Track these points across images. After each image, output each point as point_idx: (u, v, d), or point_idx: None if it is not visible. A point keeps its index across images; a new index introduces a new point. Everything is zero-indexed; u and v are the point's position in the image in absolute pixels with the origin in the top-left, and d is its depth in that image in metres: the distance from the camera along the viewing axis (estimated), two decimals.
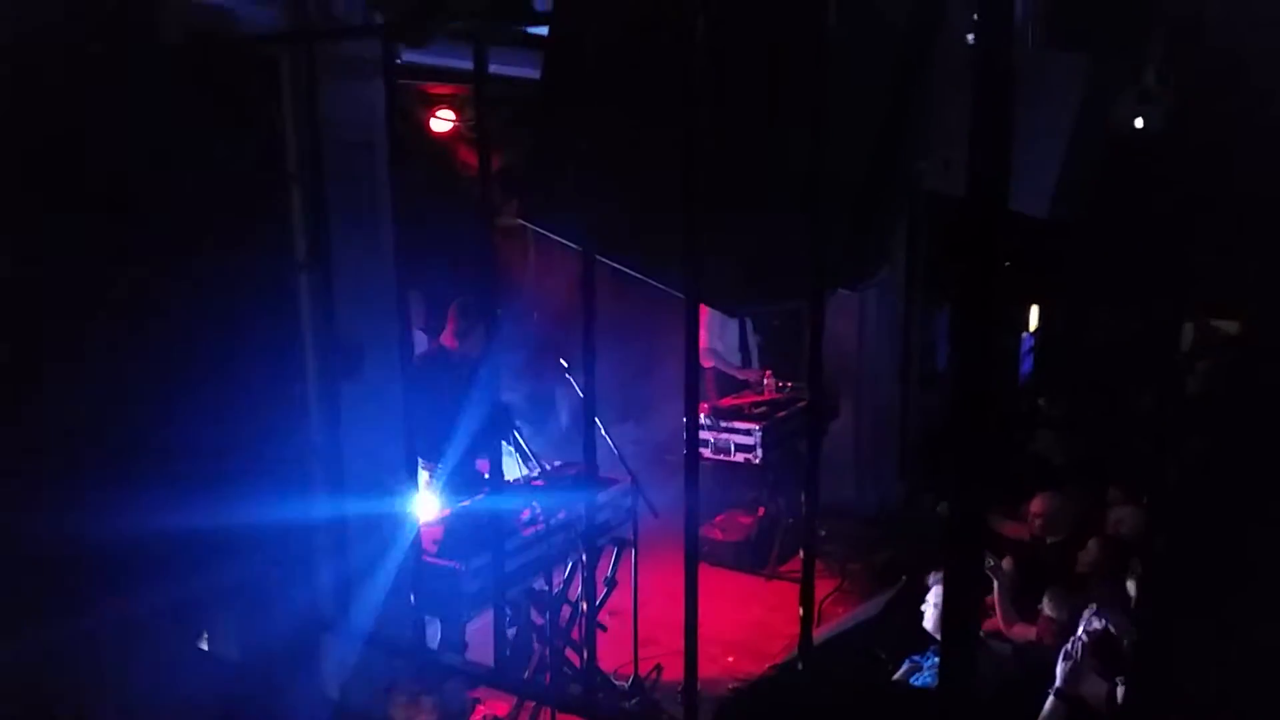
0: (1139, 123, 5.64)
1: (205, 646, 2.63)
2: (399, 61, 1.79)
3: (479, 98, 1.76)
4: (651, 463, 6.14)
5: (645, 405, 6.87)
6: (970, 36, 3.14)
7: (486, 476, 5.07)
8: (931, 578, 4.91)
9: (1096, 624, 4.27)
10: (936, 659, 4.73)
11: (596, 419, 2.14)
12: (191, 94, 2.18)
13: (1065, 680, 4.16)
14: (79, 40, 2.15)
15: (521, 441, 5.50)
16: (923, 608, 4.81)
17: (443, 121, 6.25)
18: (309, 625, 3.33)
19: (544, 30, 2.55)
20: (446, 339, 5.09)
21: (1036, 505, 5.24)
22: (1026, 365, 8.68)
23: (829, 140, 1.46)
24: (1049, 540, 5.20)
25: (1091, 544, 4.88)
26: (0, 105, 2.06)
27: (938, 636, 4.80)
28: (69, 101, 2.14)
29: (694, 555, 1.56)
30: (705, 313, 6.79)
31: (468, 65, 1.69)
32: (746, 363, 7.30)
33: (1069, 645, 4.23)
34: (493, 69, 1.69)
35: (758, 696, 1.66)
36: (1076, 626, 4.30)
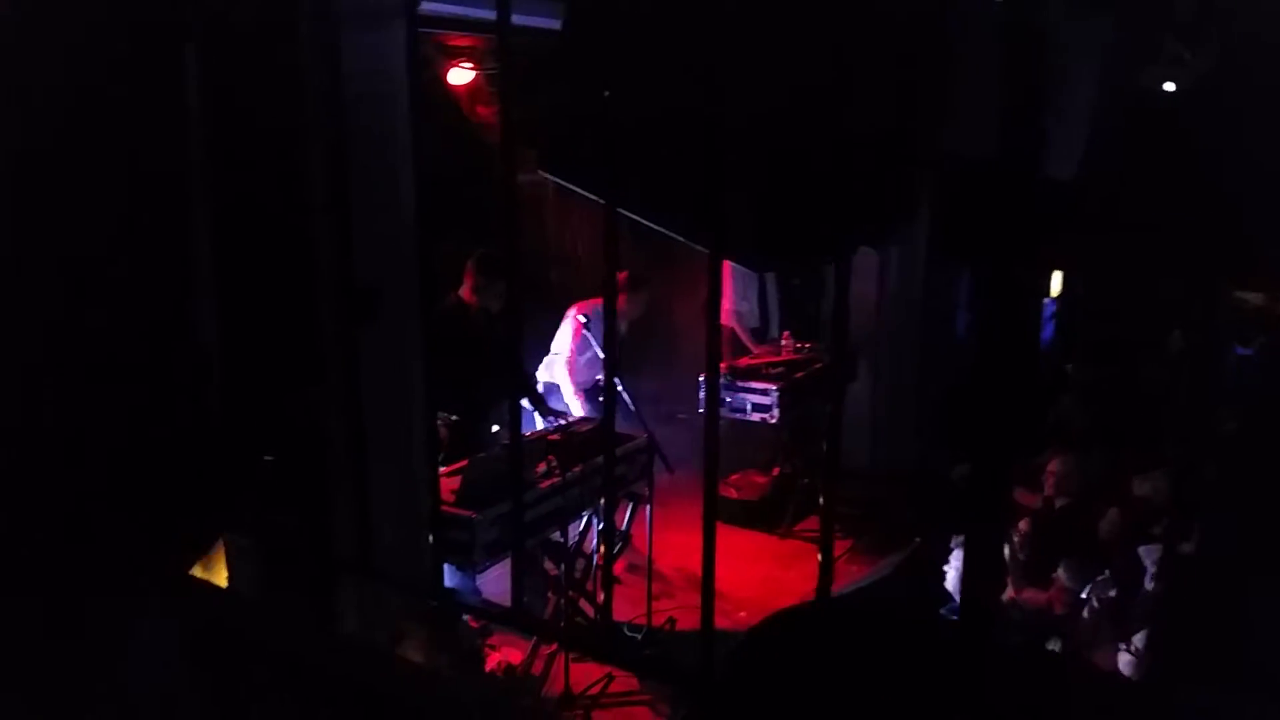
0: (1169, 86, 5.53)
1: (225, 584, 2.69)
2: (419, 11, 1.78)
3: (502, 45, 1.74)
4: (666, 421, 6.16)
5: (660, 364, 6.88)
6: None
7: (495, 430, 5.11)
8: (955, 539, 4.93)
9: (1110, 593, 4.28)
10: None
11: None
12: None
13: (1070, 645, 4.18)
14: None
15: (539, 396, 5.54)
16: (945, 567, 4.84)
17: (463, 72, 6.19)
18: (327, 566, 3.39)
19: None
20: (465, 293, 5.10)
21: (1053, 465, 5.21)
22: (1048, 331, 8.63)
23: (853, 97, 1.45)
24: (1057, 503, 5.19)
25: (1113, 513, 4.87)
26: None
27: (958, 597, 4.83)
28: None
29: (713, 495, 1.57)
30: (729, 273, 6.78)
31: (488, 15, 1.68)
32: (765, 322, 7.27)
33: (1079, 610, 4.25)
34: (515, 20, 1.67)
35: (786, 626, 1.67)
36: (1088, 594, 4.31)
